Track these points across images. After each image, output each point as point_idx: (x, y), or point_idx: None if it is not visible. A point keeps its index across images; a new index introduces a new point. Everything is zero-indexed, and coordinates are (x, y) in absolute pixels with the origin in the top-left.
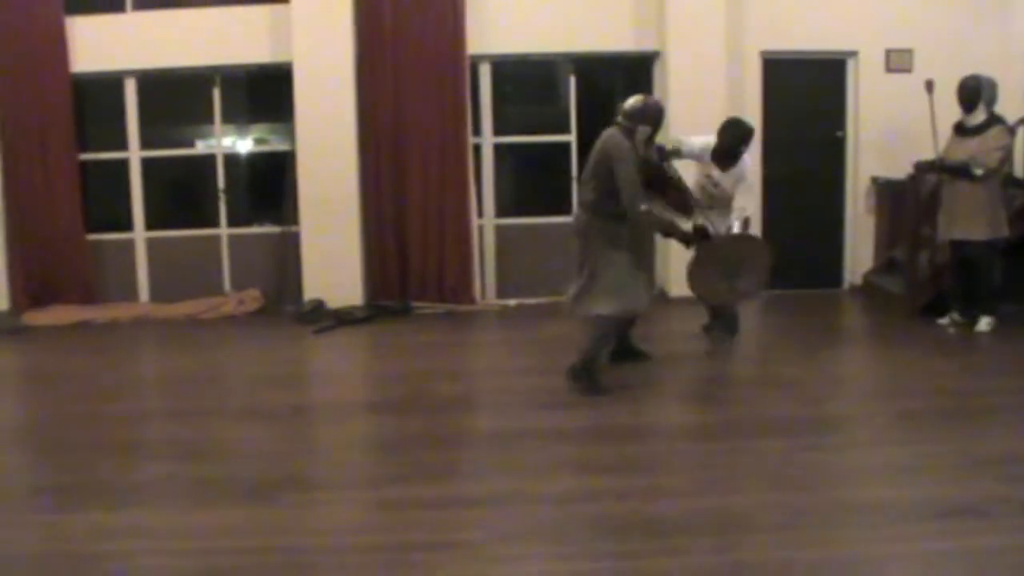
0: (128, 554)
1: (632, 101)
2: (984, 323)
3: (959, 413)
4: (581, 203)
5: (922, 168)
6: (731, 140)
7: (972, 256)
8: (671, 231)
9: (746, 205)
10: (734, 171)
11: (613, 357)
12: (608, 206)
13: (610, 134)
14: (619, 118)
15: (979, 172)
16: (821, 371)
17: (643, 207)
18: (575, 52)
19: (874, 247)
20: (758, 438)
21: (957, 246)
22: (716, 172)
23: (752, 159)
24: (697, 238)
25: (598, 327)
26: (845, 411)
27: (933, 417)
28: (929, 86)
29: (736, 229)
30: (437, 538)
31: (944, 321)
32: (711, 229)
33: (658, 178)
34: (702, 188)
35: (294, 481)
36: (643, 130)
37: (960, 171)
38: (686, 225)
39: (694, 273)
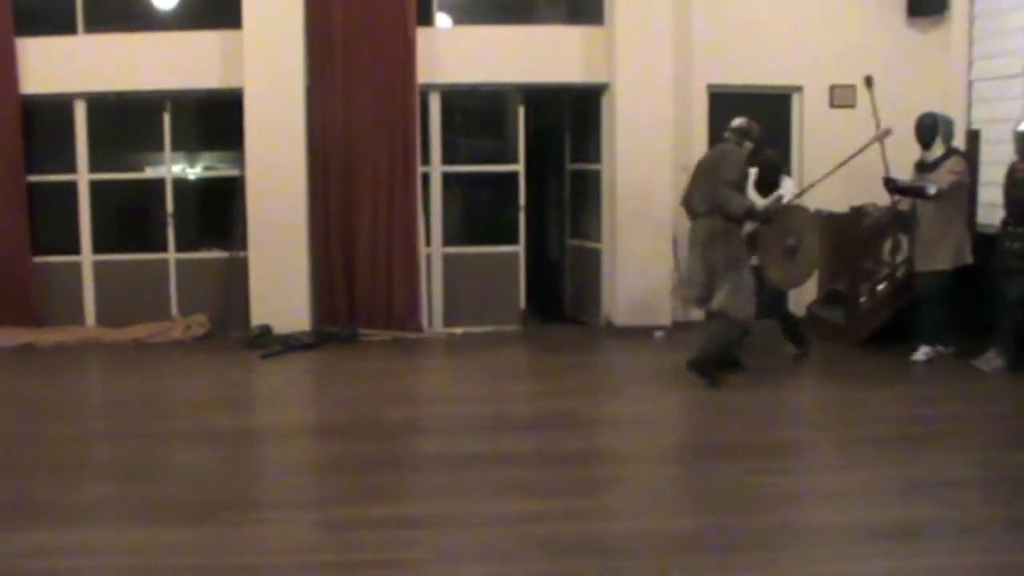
0: (71, 571)
1: (739, 121)
2: (921, 352)
3: (897, 440)
4: (701, 212)
5: (890, 184)
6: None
7: (923, 286)
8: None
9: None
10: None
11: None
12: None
13: (724, 147)
14: (728, 134)
15: (932, 190)
16: (765, 399)
17: (743, 201)
18: (524, 83)
19: (817, 279)
20: (703, 462)
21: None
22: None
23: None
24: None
25: (724, 325)
26: (788, 437)
27: (872, 444)
28: (868, 81)
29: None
30: (383, 557)
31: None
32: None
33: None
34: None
35: (240, 502)
36: (747, 146)
37: (914, 191)
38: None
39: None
